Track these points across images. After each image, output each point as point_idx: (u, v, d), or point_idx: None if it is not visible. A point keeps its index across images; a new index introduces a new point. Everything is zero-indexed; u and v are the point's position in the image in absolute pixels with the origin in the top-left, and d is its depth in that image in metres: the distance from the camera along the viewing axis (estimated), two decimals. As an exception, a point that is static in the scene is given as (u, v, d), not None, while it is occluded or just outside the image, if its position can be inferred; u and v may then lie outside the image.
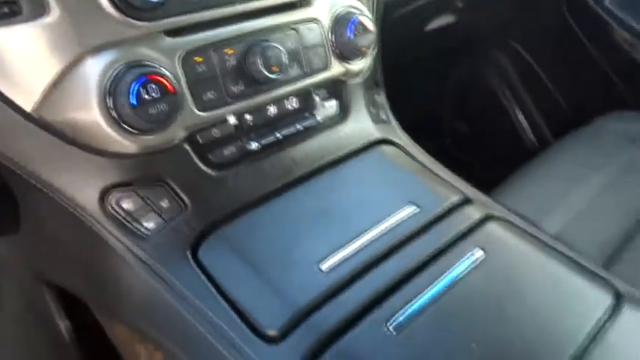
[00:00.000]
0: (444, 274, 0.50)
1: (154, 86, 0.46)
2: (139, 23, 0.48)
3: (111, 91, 0.45)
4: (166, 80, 0.47)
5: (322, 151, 0.62)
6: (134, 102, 0.45)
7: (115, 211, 0.50)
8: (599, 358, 0.46)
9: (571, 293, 0.52)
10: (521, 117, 1.61)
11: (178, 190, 0.52)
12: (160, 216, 0.51)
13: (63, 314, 0.77)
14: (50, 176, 0.49)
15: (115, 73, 0.45)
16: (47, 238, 0.60)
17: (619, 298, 0.52)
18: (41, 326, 0.80)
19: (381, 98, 0.74)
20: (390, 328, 0.45)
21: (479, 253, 0.53)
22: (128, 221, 0.50)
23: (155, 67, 0.47)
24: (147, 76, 0.46)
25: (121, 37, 0.47)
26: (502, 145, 1.64)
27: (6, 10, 0.44)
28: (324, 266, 0.50)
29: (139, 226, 0.50)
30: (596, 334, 0.48)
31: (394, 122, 0.73)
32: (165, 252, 0.49)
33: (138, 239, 0.49)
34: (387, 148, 0.67)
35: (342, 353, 0.44)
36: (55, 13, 0.44)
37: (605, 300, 0.51)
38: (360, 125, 0.67)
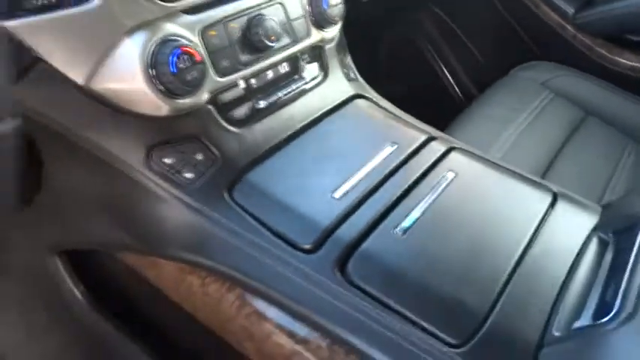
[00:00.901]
0: (430, 190, 0.64)
1: (186, 57, 0.55)
2: (164, 4, 0.57)
3: (152, 63, 0.54)
4: (195, 51, 0.56)
5: (312, 106, 0.73)
6: (174, 70, 0.54)
7: (159, 165, 0.58)
8: (544, 241, 0.62)
9: (521, 196, 0.67)
10: (447, 75, 1.79)
11: (209, 145, 0.61)
12: (197, 167, 0.60)
13: (76, 279, 0.83)
14: (100, 139, 0.57)
15: (153, 48, 0.54)
16: (76, 200, 0.66)
17: (555, 197, 0.68)
18: (55, 298, 0.85)
19: (349, 60, 0.85)
20: (398, 232, 0.59)
21: (451, 174, 0.68)
22: (172, 173, 0.59)
23: (184, 41, 0.56)
24: (181, 48, 0.55)
25: (150, 17, 0.56)
26: (433, 100, 1.82)
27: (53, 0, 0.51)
28: (337, 194, 0.62)
29: (180, 177, 0.59)
30: (540, 224, 0.64)
31: (362, 80, 0.86)
32: (207, 196, 0.59)
33: (181, 188, 0.59)
34: (362, 102, 0.79)
35: (365, 255, 0.56)
36: (96, 1, 0.52)
37: (546, 198, 0.67)
38: (338, 84, 0.79)
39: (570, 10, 1.51)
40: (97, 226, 0.66)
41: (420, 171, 0.68)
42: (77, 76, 0.53)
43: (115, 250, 0.68)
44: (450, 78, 1.79)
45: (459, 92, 1.79)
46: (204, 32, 0.60)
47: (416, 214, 0.61)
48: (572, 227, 0.64)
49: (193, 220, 0.58)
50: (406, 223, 0.60)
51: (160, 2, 0.56)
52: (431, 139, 0.75)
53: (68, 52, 0.52)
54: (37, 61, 0.51)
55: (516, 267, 0.58)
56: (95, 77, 0.54)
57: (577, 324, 0.49)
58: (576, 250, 0.60)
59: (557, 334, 0.50)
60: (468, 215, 0.63)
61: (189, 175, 0.59)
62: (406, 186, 0.65)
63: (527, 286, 0.56)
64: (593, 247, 0.61)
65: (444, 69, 1.79)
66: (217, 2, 0.62)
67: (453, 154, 0.73)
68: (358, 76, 0.85)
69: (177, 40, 0.56)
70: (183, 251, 0.59)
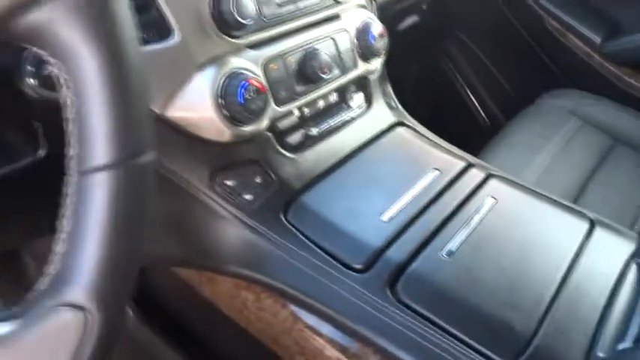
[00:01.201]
0: (473, 215, 0.68)
1: (251, 88, 0.60)
2: (233, 41, 0.62)
3: (222, 94, 0.59)
4: (259, 83, 0.61)
5: (359, 133, 0.78)
6: (241, 101, 0.59)
7: (222, 187, 0.63)
8: (584, 267, 0.64)
9: (559, 222, 0.70)
10: (474, 101, 1.83)
11: (267, 169, 0.66)
12: (255, 190, 0.65)
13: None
14: (171, 162, 0.61)
15: (222, 80, 0.59)
16: None
17: (592, 224, 0.71)
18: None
19: (390, 89, 0.90)
20: (444, 254, 0.62)
21: (491, 200, 0.71)
22: (233, 195, 0.63)
23: (250, 74, 0.61)
24: (247, 80, 0.60)
25: (219, 52, 0.61)
26: (460, 127, 1.85)
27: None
28: (385, 217, 0.66)
29: (240, 199, 0.63)
30: (579, 250, 0.67)
31: (401, 108, 0.90)
32: (264, 217, 0.63)
33: (241, 209, 0.63)
34: (403, 129, 0.84)
35: (414, 275, 0.60)
36: (176, 37, 0.57)
37: (583, 225, 0.70)
38: (381, 112, 0.83)
39: (597, 40, 1.53)
40: (159, 242, 0.71)
41: (462, 197, 0.71)
42: (155, 105, 0.58)
43: (172, 266, 0.72)
44: (477, 104, 1.83)
45: (486, 119, 1.82)
46: (266, 65, 0.65)
47: (460, 238, 0.64)
48: (611, 254, 0.67)
49: (252, 239, 0.62)
50: (451, 246, 0.63)
51: (229, 39, 0.62)
52: (470, 165, 0.79)
53: (150, 83, 0.58)
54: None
55: (558, 291, 0.61)
56: (169, 107, 0.59)
57: (621, 346, 0.52)
58: (615, 276, 0.63)
59: (601, 355, 0.53)
60: (509, 240, 0.66)
61: (248, 197, 0.64)
62: (449, 211, 0.68)
63: (569, 310, 0.59)
64: (632, 273, 0.64)
65: (470, 96, 1.83)
66: (277, 38, 0.68)
67: (492, 180, 0.76)
68: (398, 105, 0.90)
69: (244, 74, 0.61)
70: (241, 267, 0.63)
